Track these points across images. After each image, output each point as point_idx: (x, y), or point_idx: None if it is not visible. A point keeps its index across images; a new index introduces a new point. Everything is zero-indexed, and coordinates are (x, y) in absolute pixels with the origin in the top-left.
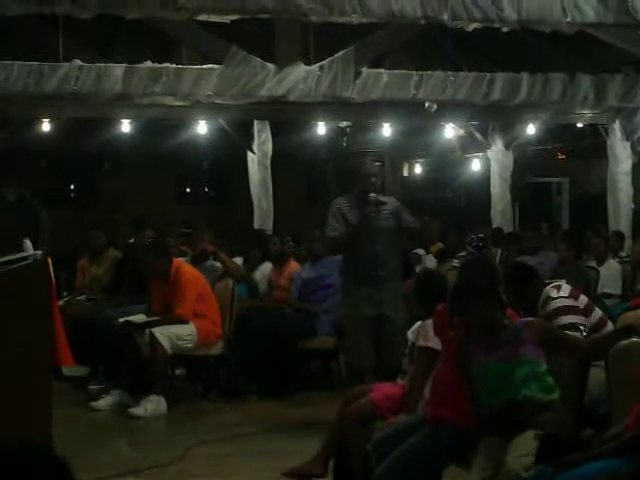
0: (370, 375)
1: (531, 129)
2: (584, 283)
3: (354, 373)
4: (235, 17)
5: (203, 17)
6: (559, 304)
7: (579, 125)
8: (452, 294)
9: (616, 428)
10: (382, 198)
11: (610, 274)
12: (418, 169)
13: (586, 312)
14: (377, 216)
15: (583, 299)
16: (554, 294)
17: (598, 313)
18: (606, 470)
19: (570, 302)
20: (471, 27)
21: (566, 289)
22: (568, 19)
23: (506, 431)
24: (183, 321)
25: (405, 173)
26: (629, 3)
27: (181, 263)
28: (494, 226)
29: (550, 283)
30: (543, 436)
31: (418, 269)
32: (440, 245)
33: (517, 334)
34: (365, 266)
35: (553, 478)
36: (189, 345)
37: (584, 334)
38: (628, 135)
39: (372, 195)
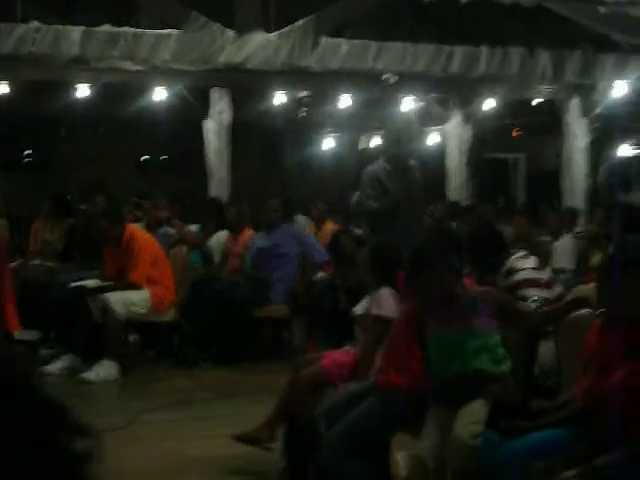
0: None
1: (489, 103)
2: (541, 258)
3: None
4: None
5: None
6: (526, 276)
7: (536, 101)
8: (407, 263)
9: (563, 397)
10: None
11: (564, 249)
12: (376, 141)
13: (548, 286)
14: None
15: (547, 272)
16: (520, 265)
17: (558, 288)
18: (552, 439)
19: (535, 275)
20: None
21: (532, 261)
22: None
23: (455, 400)
24: (136, 287)
25: (362, 146)
26: None
27: (135, 228)
28: (450, 200)
29: (513, 253)
30: (492, 405)
31: None
32: None
33: (472, 304)
34: (404, 240)
35: (500, 445)
36: (142, 311)
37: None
38: (585, 112)
39: (410, 160)
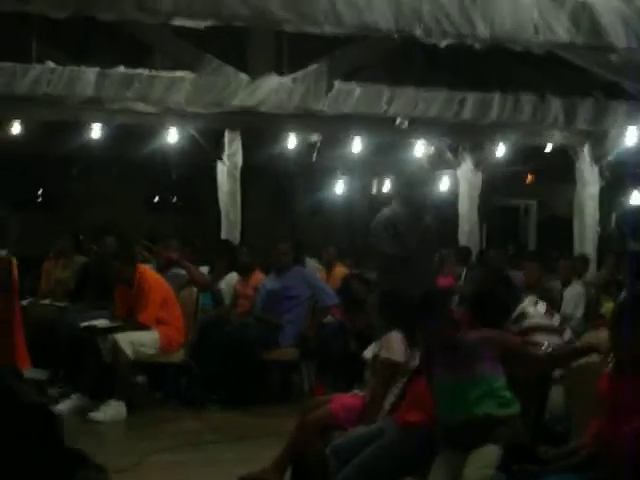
0: None
1: (501, 149)
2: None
3: None
4: (209, 23)
5: (177, 22)
6: (536, 322)
7: (548, 147)
8: (414, 309)
9: (573, 443)
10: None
11: (573, 296)
12: (387, 186)
13: (559, 332)
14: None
15: (557, 318)
16: (531, 310)
17: (569, 333)
18: None
19: (545, 321)
20: (444, 43)
21: (542, 307)
22: (540, 38)
23: (464, 445)
24: (146, 327)
25: (374, 190)
26: (601, 25)
27: (146, 269)
28: (461, 245)
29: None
30: (502, 449)
31: None
32: None
33: (473, 350)
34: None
35: None
36: (151, 352)
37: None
38: (597, 159)
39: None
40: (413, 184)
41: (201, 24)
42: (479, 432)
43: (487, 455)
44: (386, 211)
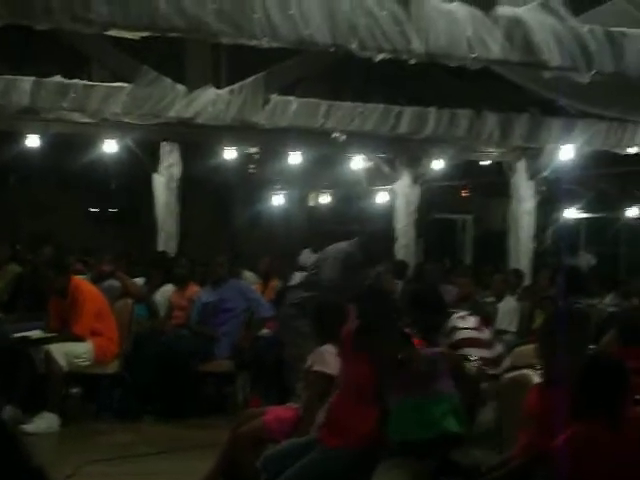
0: None
1: (437, 164)
2: (483, 319)
3: None
4: (145, 34)
5: (113, 32)
6: (466, 335)
7: (485, 163)
8: (355, 330)
9: (503, 456)
10: None
11: (507, 311)
12: (325, 199)
13: (489, 345)
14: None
15: (487, 332)
16: (460, 324)
17: (498, 348)
18: None
19: (476, 334)
20: (379, 57)
21: (472, 321)
22: (474, 54)
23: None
24: (80, 338)
25: (311, 203)
26: (534, 43)
27: (80, 281)
28: (397, 259)
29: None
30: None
31: None
32: None
33: (432, 366)
34: None
35: None
36: (85, 363)
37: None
38: (532, 175)
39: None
40: (378, 238)
41: (137, 35)
42: (440, 448)
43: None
44: (345, 247)
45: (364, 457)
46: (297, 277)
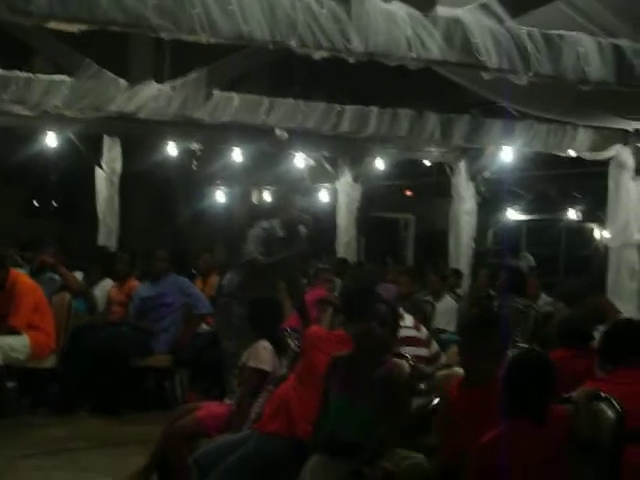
0: None
1: (379, 163)
2: (421, 317)
3: None
4: (84, 27)
5: (52, 25)
6: (404, 334)
7: (427, 163)
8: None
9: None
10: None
11: (446, 310)
12: (267, 197)
13: (425, 344)
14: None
15: (424, 331)
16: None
17: (435, 346)
18: None
19: (414, 333)
20: (318, 55)
21: (409, 320)
22: (413, 54)
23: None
24: (16, 332)
25: (255, 200)
26: (472, 44)
27: (18, 274)
28: (338, 257)
29: None
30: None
31: None
32: None
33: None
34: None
35: None
36: (22, 357)
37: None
38: (473, 175)
39: (303, 230)
40: (294, 220)
41: (77, 28)
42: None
43: None
44: (265, 226)
45: (297, 446)
46: None
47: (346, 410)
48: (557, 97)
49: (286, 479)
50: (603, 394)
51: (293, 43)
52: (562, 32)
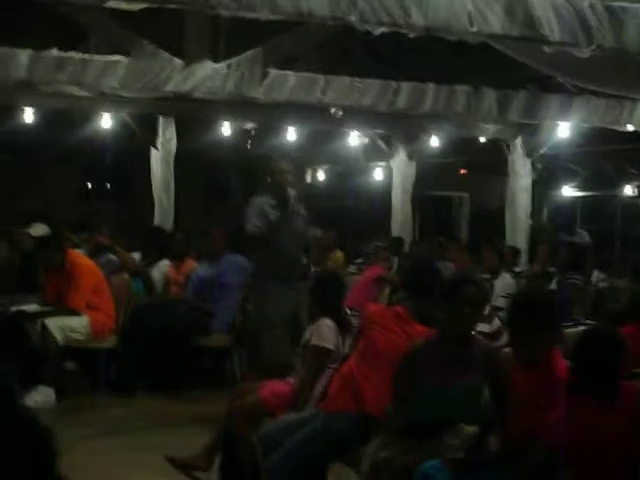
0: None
1: (434, 141)
2: None
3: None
4: (143, 6)
5: (112, 4)
6: None
7: (482, 140)
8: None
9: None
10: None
11: (504, 288)
12: (321, 176)
13: (487, 320)
14: (296, 216)
15: (485, 308)
16: None
17: (497, 322)
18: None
19: None
20: (378, 31)
21: None
22: (474, 28)
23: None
24: (76, 312)
25: (308, 180)
26: (535, 18)
27: (77, 254)
28: (393, 236)
29: None
30: None
31: None
32: (339, 253)
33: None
34: (283, 265)
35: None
36: (81, 337)
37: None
38: (529, 152)
39: (291, 194)
40: (284, 187)
41: (135, 7)
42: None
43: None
44: (258, 199)
45: (365, 422)
46: None
47: (447, 394)
48: (617, 71)
49: (355, 454)
50: None
51: (353, 19)
52: (625, 4)
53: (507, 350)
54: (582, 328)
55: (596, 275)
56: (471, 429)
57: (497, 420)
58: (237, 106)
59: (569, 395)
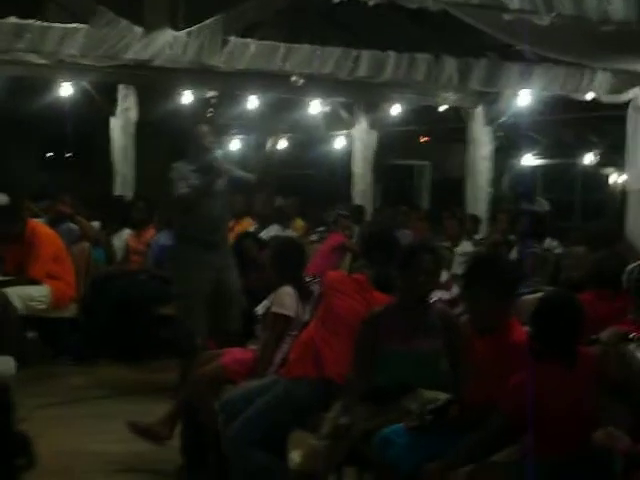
0: (202, 339)
1: (395, 109)
2: None
3: (186, 337)
4: None
5: None
6: None
7: (442, 109)
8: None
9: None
10: (220, 161)
11: (464, 255)
12: (283, 144)
13: (446, 287)
14: (217, 180)
15: (444, 275)
16: None
17: (455, 289)
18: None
19: None
20: None
21: None
22: None
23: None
24: (37, 282)
25: (269, 147)
26: None
27: (37, 224)
28: (354, 204)
29: None
30: None
31: None
32: (300, 222)
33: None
34: (205, 230)
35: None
36: (42, 306)
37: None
38: (490, 120)
39: (212, 158)
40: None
41: None
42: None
43: None
44: (179, 166)
45: (326, 387)
46: None
47: (407, 359)
48: (576, 38)
49: (315, 420)
50: (632, 335)
51: None
52: None
53: (465, 317)
54: (540, 294)
55: (548, 242)
56: (430, 394)
57: (455, 385)
58: (198, 74)
59: (528, 361)
